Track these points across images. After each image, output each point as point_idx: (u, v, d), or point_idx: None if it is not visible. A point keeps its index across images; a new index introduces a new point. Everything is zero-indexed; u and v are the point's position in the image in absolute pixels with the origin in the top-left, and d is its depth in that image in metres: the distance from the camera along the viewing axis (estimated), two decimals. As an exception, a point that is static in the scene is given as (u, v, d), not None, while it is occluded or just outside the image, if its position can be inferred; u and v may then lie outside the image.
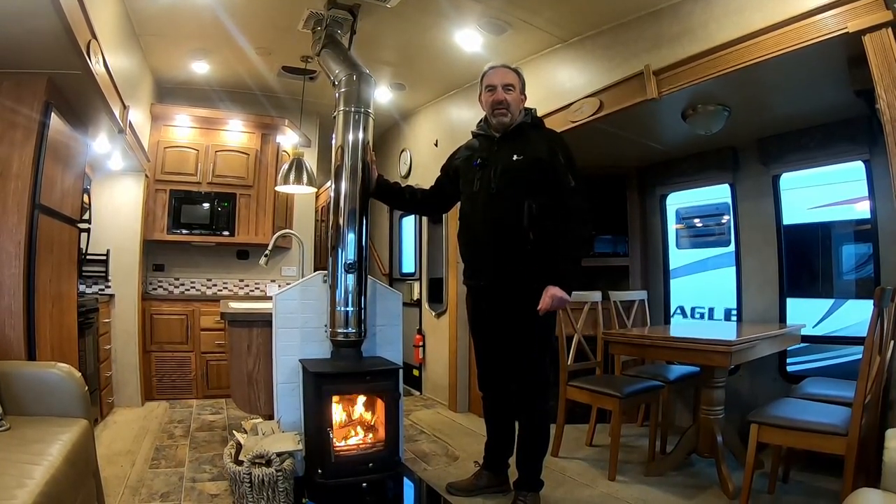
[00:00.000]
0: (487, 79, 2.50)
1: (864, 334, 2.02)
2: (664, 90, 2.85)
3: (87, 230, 3.56)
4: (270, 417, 2.63)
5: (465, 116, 4.31)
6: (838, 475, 2.09)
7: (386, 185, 2.76)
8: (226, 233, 4.56)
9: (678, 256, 4.29)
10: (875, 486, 1.51)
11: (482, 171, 2.44)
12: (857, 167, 3.18)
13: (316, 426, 2.40)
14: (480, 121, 2.59)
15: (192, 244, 4.66)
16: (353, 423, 2.59)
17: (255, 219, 4.63)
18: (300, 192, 3.97)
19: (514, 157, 2.38)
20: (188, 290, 4.83)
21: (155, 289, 4.73)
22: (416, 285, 5.08)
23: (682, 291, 4.26)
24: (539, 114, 2.62)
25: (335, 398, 2.46)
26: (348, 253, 2.57)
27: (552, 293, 2.28)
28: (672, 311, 4.26)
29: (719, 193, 3.96)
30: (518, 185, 2.35)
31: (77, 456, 1.73)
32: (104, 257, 4.04)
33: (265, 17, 3.36)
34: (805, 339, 3.31)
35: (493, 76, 2.47)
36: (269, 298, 2.99)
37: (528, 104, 2.55)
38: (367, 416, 2.60)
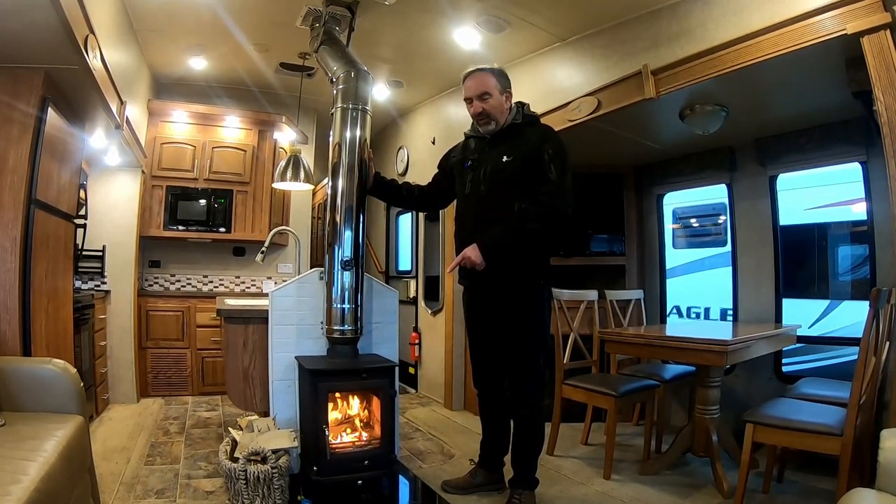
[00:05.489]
0: (464, 91, 2.48)
1: (860, 335, 2.03)
2: (662, 90, 2.85)
3: (84, 226, 3.55)
4: (266, 414, 2.63)
5: (462, 114, 4.25)
6: (833, 475, 2.10)
7: (383, 182, 2.75)
8: (222, 229, 4.55)
9: (674, 256, 4.30)
10: (870, 486, 1.52)
11: (472, 173, 2.45)
12: (855, 168, 3.19)
13: (312, 423, 2.39)
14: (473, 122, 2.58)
15: (189, 240, 4.65)
16: (349, 420, 2.58)
17: (252, 215, 4.63)
18: (297, 188, 3.96)
19: (504, 159, 2.37)
20: (184, 286, 4.82)
21: (151, 285, 4.72)
22: (413, 283, 5.08)
23: (678, 291, 4.27)
24: (537, 112, 2.60)
25: (331, 395, 2.45)
26: (345, 250, 2.56)
27: (466, 251, 2.29)
28: (668, 310, 4.27)
29: (716, 193, 3.97)
30: (507, 187, 2.34)
31: (72, 452, 1.73)
32: (100, 253, 4.02)
33: (263, 13, 3.35)
34: (801, 339, 3.32)
35: (468, 88, 2.45)
36: (266, 295, 2.98)
37: (526, 103, 2.53)
38: (363, 413, 2.60)
